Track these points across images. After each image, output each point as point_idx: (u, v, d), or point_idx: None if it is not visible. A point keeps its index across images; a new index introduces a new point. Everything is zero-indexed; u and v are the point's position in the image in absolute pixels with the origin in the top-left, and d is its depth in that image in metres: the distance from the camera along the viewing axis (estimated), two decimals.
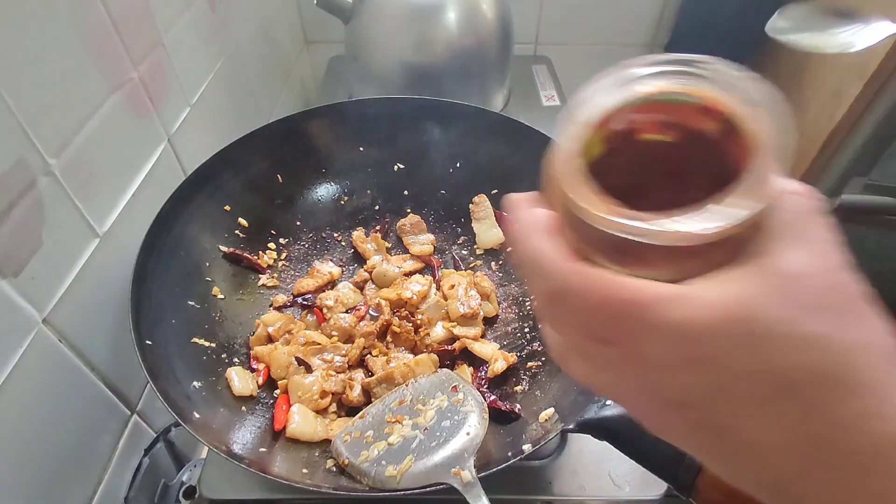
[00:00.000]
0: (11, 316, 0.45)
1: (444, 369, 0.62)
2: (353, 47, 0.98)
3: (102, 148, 0.56)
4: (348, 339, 0.67)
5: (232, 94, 0.89)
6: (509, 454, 0.50)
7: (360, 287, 0.74)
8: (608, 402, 0.49)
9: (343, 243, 0.80)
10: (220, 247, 0.70)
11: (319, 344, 0.65)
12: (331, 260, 0.77)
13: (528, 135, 0.72)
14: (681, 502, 0.48)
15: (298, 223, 0.79)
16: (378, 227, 0.80)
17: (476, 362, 0.66)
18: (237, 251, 0.71)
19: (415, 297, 0.69)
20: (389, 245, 0.80)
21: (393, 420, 0.54)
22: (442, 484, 0.46)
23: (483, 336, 0.69)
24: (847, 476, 0.21)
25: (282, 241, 0.77)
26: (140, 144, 0.64)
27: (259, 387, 0.62)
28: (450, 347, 0.66)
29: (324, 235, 0.80)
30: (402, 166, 0.81)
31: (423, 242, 0.79)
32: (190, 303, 0.63)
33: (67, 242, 0.52)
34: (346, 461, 0.52)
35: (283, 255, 0.76)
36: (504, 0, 0.95)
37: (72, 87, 0.52)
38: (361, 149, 0.80)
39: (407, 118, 0.77)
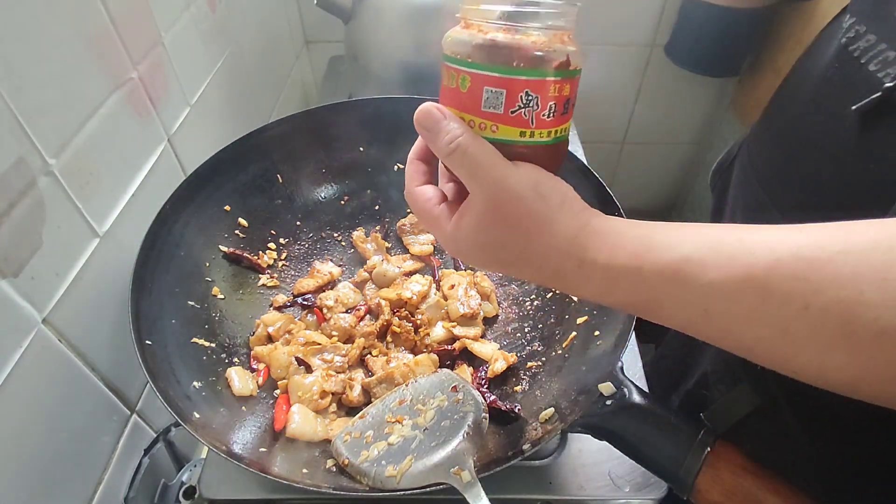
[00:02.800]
0: (11, 316, 0.45)
1: (444, 369, 0.62)
2: (353, 47, 0.98)
3: (102, 148, 0.56)
4: (348, 339, 0.67)
5: (232, 94, 0.89)
6: (509, 454, 0.50)
7: (360, 287, 0.74)
8: (608, 402, 0.49)
9: (343, 243, 0.80)
10: (220, 247, 0.70)
11: (319, 344, 0.65)
12: (331, 260, 0.77)
13: None
14: (681, 502, 0.48)
15: (298, 223, 0.79)
16: (378, 227, 0.80)
17: (476, 362, 0.66)
18: (237, 251, 0.71)
19: (415, 297, 0.69)
20: (389, 245, 0.80)
21: (393, 420, 0.54)
22: (442, 484, 0.46)
23: (483, 336, 0.69)
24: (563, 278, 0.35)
25: (282, 241, 0.77)
26: (140, 144, 0.64)
27: (259, 387, 0.62)
28: (450, 347, 0.66)
29: (324, 235, 0.80)
30: (401, 166, 0.81)
31: (423, 242, 0.79)
32: (190, 303, 0.63)
33: (67, 242, 0.52)
34: (346, 461, 0.52)
35: (283, 255, 0.76)
36: None
37: (72, 87, 0.52)
38: (361, 149, 0.80)
39: (407, 118, 0.76)
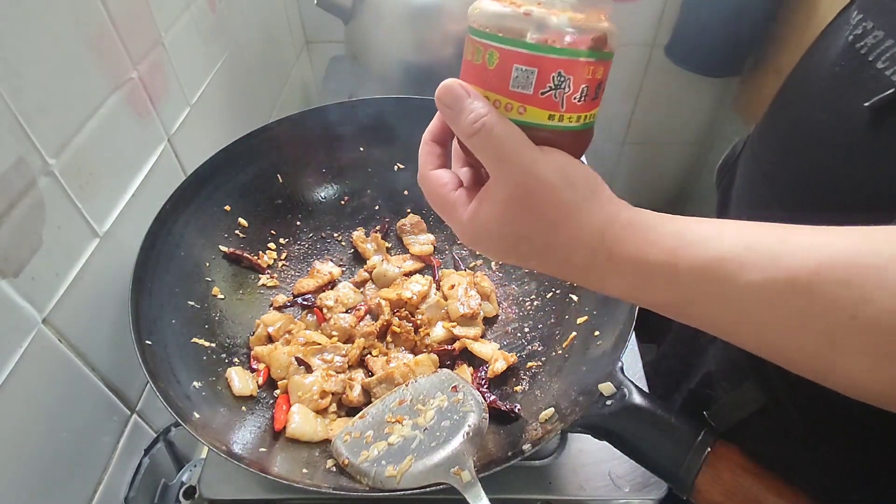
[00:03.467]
0: (11, 316, 0.45)
1: (444, 369, 0.62)
2: (353, 47, 0.98)
3: (102, 148, 0.56)
4: (348, 339, 0.67)
5: (232, 94, 0.89)
6: (509, 454, 0.50)
7: (360, 287, 0.74)
8: (608, 401, 0.49)
9: (343, 243, 0.80)
10: (220, 247, 0.70)
11: (319, 344, 0.65)
12: (331, 260, 0.77)
13: None
14: (681, 502, 0.48)
15: (298, 223, 0.79)
16: (378, 227, 0.80)
17: (476, 362, 0.66)
18: (237, 251, 0.71)
19: (415, 297, 0.69)
20: (389, 245, 0.80)
21: (393, 420, 0.54)
22: (442, 484, 0.46)
23: (483, 336, 0.69)
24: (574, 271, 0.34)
25: (282, 241, 0.77)
26: (140, 144, 0.64)
27: (259, 387, 0.62)
28: (450, 347, 0.66)
29: (324, 235, 0.80)
30: (402, 166, 0.81)
31: (423, 242, 0.79)
32: (190, 303, 0.63)
33: (67, 242, 0.52)
34: (346, 461, 0.52)
35: (283, 255, 0.76)
36: None
37: (72, 87, 0.52)
38: (361, 149, 0.80)
39: (407, 118, 0.77)
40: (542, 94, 0.32)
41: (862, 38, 0.43)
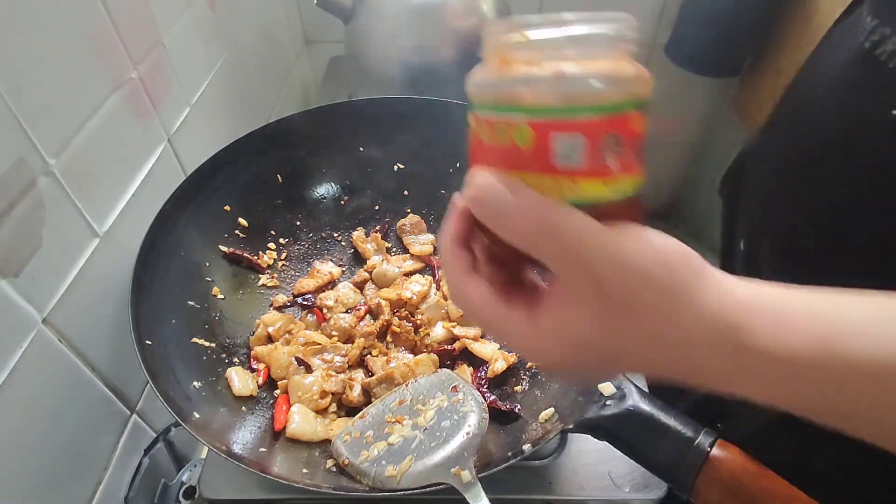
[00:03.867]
0: (11, 316, 0.45)
1: (444, 369, 0.62)
2: (353, 47, 0.98)
3: (102, 148, 0.56)
4: (348, 339, 0.67)
5: (232, 94, 0.89)
6: (509, 454, 0.50)
7: (360, 287, 0.74)
8: (608, 402, 0.49)
9: (343, 243, 0.80)
10: (220, 247, 0.70)
11: (319, 344, 0.65)
12: (331, 260, 0.77)
13: None
14: (681, 502, 0.48)
15: (298, 223, 0.79)
16: (378, 227, 0.80)
17: (476, 362, 0.66)
18: (237, 251, 0.71)
19: (415, 297, 0.69)
20: (389, 245, 0.80)
21: (393, 420, 0.54)
22: (442, 484, 0.46)
23: (483, 336, 0.69)
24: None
25: (282, 241, 0.77)
26: (140, 144, 0.64)
27: (259, 387, 0.62)
28: (450, 347, 0.66)
29: (324, 235, 0.80)
30: (402, 166, 0.81)
31: (423, 242, 0.79)
32: (190, 303, 0.63)
33: (67, 242, 0.52)
34: (346, 461, 0.52)
35: (283, 255, 0.76)
36: (504, 0, 0.95)
37: (72, 87, 0.52)
38: (361, 149, 0.80)
39: (407, 118, 0.77)
40: (595, 162, 0.26)
41: (881, 44, 0.42)
